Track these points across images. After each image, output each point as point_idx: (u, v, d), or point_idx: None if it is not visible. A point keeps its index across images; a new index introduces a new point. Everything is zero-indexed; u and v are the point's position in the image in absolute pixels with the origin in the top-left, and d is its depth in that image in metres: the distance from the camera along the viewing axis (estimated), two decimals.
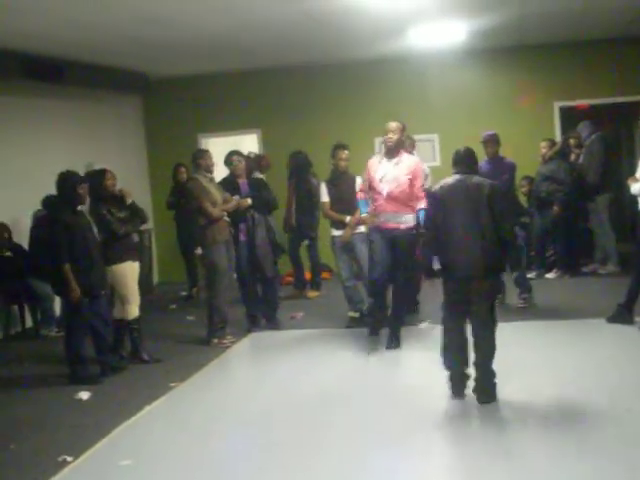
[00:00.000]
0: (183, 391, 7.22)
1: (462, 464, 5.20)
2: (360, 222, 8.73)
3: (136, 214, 8.31)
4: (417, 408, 6.18)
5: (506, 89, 13.04)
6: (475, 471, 4.96)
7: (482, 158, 9.70)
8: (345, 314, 9.24)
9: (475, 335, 6.16)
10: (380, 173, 7.94)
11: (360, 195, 8.54)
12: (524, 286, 9.62)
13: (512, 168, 9.63)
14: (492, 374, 6.13)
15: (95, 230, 8.02)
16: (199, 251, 9.36)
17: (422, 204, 7.74)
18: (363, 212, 8.49)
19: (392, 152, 7.94)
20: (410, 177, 7.87)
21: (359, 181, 8.87)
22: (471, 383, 6.23)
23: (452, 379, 6.31)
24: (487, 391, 6.13)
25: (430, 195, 6.74)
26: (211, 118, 13.79)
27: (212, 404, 6.78)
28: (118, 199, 8.19)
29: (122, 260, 8.06)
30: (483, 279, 6.09)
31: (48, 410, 6.93)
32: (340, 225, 8.98)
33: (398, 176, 7.85)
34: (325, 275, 12.34)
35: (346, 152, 9.08)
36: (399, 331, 8.13)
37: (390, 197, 7.87)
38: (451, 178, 6.29)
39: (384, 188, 7.88)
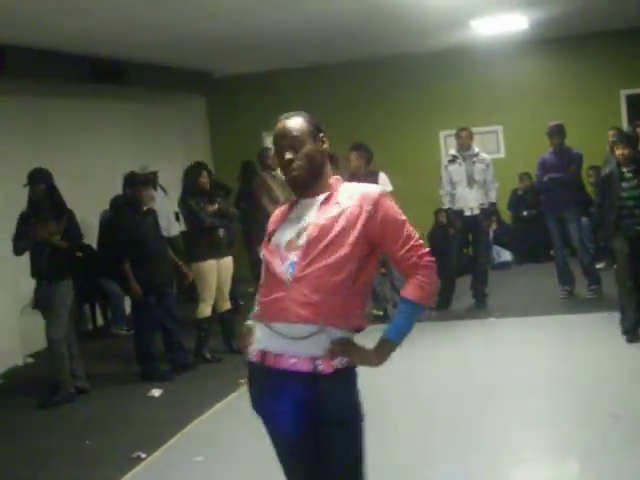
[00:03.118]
0: None
1: None
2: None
3: (225, 212, 8.40)
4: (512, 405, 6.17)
5: (571, 78, 12.83)
6: None
7: (547, 149, 9.63)
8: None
9: None
10: (282, 233, 3.25)
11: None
12: (593, 276, 9.48)
13: (579, 159, 9.50)
14: None
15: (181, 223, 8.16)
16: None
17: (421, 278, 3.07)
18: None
19: (303, 183, 3.29)
20: (356, 235, 3.04)
21: (383, 179, 8.50)
22: None
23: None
24: None
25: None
26: (275, 115, 13.68)
27: None
28: (208, 195, 8.24)
29: (204, 258, 8.09)
30: None
31: (121, 407, 7.07)
32: None
33: (323, 229, 3.06)
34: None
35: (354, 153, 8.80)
36: None
37: (301, 285, 3.01)
38: None
39: (285, 269, 3.07)
